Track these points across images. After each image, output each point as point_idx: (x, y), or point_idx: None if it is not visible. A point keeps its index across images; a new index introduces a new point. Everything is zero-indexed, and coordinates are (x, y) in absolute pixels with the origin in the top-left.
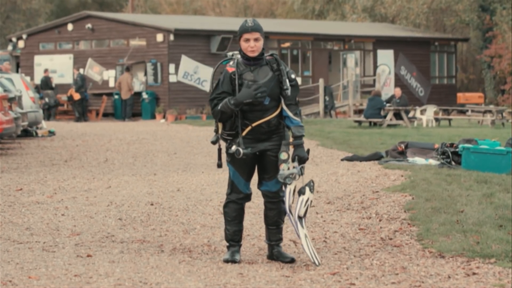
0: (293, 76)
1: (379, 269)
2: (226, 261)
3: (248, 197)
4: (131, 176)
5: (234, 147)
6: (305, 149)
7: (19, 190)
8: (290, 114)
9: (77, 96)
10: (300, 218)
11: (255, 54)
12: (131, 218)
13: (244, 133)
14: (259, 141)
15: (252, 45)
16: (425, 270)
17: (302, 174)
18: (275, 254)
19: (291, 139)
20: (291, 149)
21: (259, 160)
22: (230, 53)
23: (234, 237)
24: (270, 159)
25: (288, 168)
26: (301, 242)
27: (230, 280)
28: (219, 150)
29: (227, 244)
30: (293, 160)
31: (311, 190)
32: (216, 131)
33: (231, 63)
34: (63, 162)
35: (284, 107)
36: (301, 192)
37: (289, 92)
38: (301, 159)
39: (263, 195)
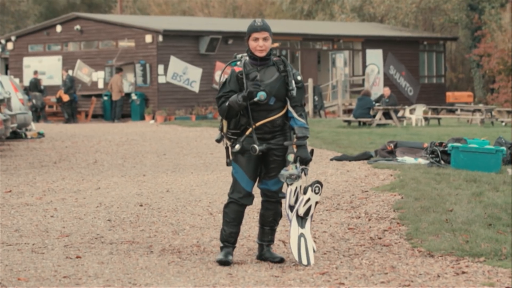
0: (299, 78)
1: (368, 269)
2: (220, 261)
3: (249, 198)
4: (120, 177)
5: (237, 146)
6: (309, 150)
7: (8, 192)
8: (295, 115)
9: (66, 98)
10: (300, 218)
11: (264, 53)
12: (120, 219)
13: (248, 132)
14: (264, 140)
15: (261, 44)
16: (414, 269)
17: (305, 175)
18: (265, 254)
19: (294, 140)
20: (295, 150)
21: (262, 160)
22: (239, 55)
23: (229, 239)
24: (273, 158)
25: (296, 168)
26: (290, 240)
27: (219, 281)
28: (227, 148)
29: (221, 244)
30: (294, 161)
31: (315, 192)
32: (221, 129)
33: (238, 63)
34: (52, 164)
35: (290, 108)
36: (303, 192)
37: (294, 93)
38: (303, 160)
39: (261, 194)
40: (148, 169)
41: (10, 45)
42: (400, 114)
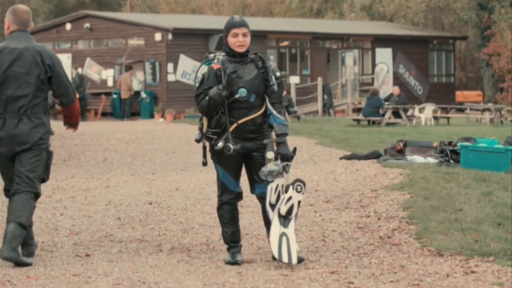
0: (278, 74)
1: (377, 268)
2: (228, 263)
3: (240, 196)
4: (129, 176)
5: (220, 143)
6: (291, 147)
7: None
8: (274, 112)
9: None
10: (283, 217)
11: (243, 49)
12: (130, 218)
13: (231, 129)
14: (245, 139)
15: (241, 40)
16: (424, 269)
17: (287, 172)
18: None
19: (274, 138)
20: (274, 147)
21: (247, 162)
22: (211, 55)
23: (233, 238)
24: (257, 160)
25: (276, 165)
26: (270, 237)
27: (228, 279)
28: (204, 148)
29: (227, 246)
30: (276, 158)
31: (298, 190)
32: (201, 129)
33: (215, 61)
34: (61, 162)
35: (269, 105)
36: (285, 190)
37: (275, 88)
38: (284, 157)
39: (258, 199)
40: (158, 167)
41: None
42: (409, 113)
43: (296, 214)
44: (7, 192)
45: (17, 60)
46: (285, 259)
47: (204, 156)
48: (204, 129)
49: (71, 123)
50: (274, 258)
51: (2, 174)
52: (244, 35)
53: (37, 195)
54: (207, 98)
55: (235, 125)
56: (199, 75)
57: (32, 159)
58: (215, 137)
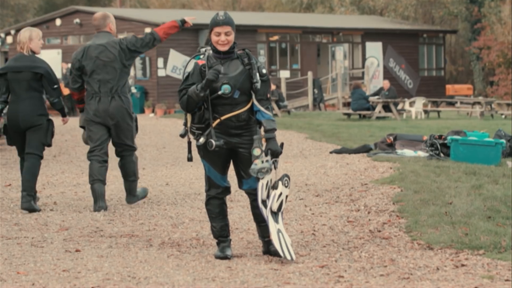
0: (264, 71)
1: (367, 262)
2: (218, 257)
3: (227, 190)
4: (119, 171)
5: (202, 139)
6: (278, 143)
7: (8, 186)
8: (261, 108)
9: (66, 91)
10: (274, 213)
11: (226, 48)
12: (120, 213)
13: (212, 126)
14: (229, 135)
15: (223, 39)
16: (414, 262)
17: (275, 168)
18: (273, 251)
19: (262, 133)
20: (264, 143)
21: (234, 158)
22: (203, 49)
23: (222, 233)
24: (244, 156)
25: (262, 162)
26: (271, 236)
27: (218, 274)
28: (189, 143)
29: (217, 240)
30: (266, 154)
31: (285, 185)
32: (185, 124)
33: (201, 56)
34: (51, 157)
35: (255, 102)
36: (274, 186)
37: (258, 85)
38: (274, 153)
39: (247, 194)
40: (148, 162)
41: (9, 39)
42: (399, 107)
43: (283, 209)
44: (91, 153)
45: (103, 52)
46: (288, 256)
47: (189, 151)
48: (189, 124)
49: None
50: (264, 253)
51: (91, 137)
52: (226, 34)
53: (135, 150)
54: (186, 95)
55: (218, 121)
56: (187, 70)
57: (126, 129)
58: (199, 132)
